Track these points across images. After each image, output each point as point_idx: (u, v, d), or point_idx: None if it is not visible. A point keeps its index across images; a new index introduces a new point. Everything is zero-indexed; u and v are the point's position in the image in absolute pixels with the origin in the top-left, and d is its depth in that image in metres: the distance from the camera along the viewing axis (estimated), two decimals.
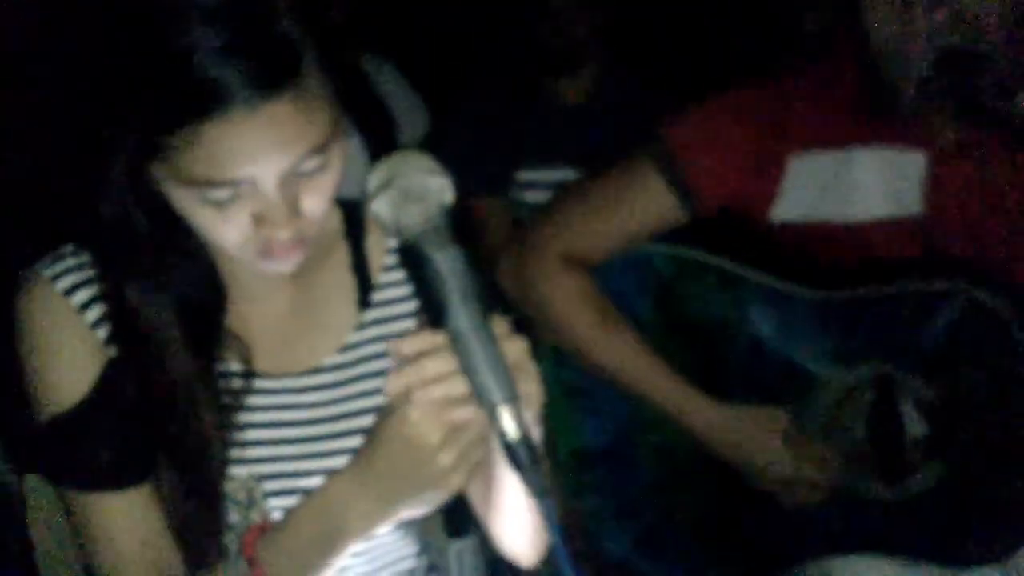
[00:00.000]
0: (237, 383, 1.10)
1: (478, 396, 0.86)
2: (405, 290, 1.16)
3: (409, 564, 1.23)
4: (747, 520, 1.65)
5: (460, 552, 0.93)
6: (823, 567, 1.60)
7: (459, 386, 0.87)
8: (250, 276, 1.10)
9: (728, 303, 1.61)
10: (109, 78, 0.92)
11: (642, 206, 1.58)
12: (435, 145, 2.56)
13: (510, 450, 0.85)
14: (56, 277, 1.06)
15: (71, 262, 1.07)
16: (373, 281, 1.18)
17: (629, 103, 2.40)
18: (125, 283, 1.04)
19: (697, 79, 1.84)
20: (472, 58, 2.73)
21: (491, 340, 0.86)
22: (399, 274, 1.17)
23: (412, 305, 1.16)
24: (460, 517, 0.94)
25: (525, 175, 2.47)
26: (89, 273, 1.06)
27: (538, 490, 0.85)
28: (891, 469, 1.56)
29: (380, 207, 0.89)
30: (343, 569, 1.15)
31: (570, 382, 1.68)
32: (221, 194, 0.92)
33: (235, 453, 1.09)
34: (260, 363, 1.12)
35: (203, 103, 0.87)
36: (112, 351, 1.05)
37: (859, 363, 1.56)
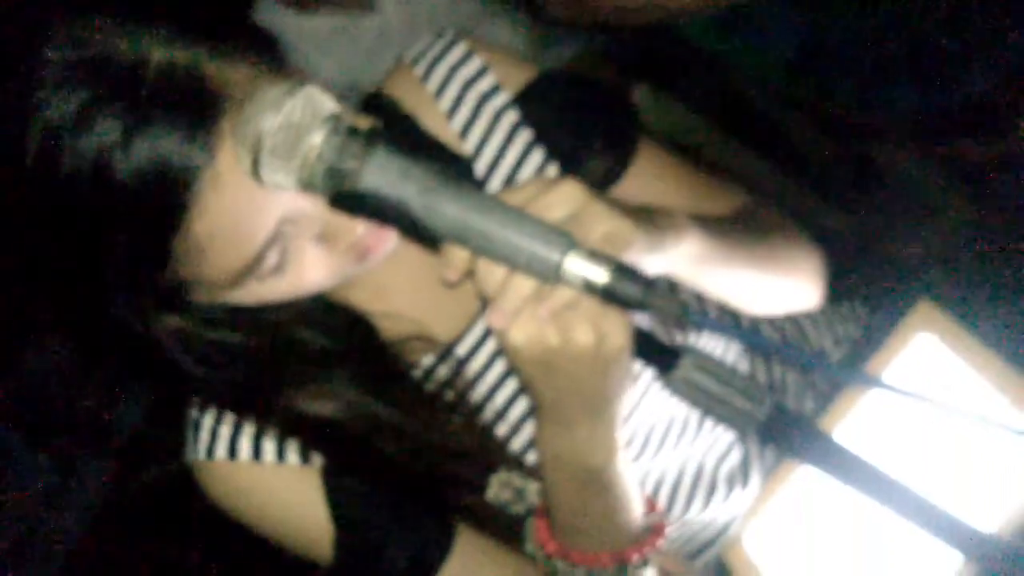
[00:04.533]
0: (444, 371, 0.97)
1: (535, 272, 0.67)
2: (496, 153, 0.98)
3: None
4: None
5: (685, 376, 0.75)
6: None
7: (520, 285, 0.69)
8: (366, 280, 0.93)
9: None
10: (76, 273, 0.75)
11: None
12: None
13: (611, 295, 0.66)
14: (209, 452, 0.93)
15: (209, 422, 0.93)
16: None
17: None
18: (282, 398, 0.91)
19: None
20: None
21: (497, 206, 0.67)
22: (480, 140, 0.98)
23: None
24: (656, 353, 0.76)
25: None
26: (231, 418, 0.93)
27: (674, 311, 0.66)
28: None
29: (276, 181, 0.69)
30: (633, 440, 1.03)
31: (722, 20, 1.43)
32: (271, 259, 0.76)
33: (501, 432, 0.98)
34: (444, 335, 0.98)
35: (163, 214, 0.69)
36: (316, 463, 0.93)
37: None
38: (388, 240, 0.82)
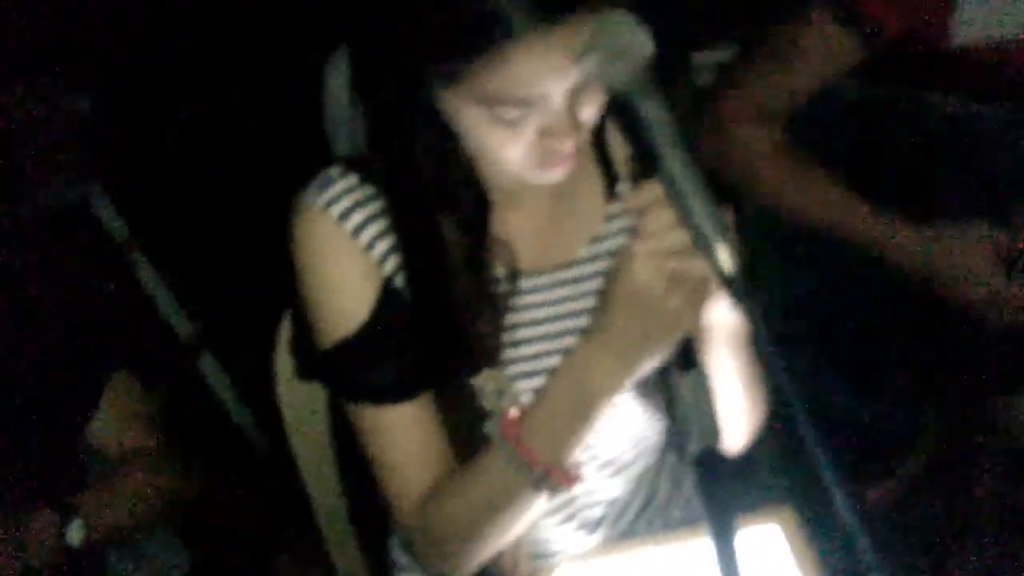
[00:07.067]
0: (505, 287, 1.17)
1: (694, 236, 0.90)
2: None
3: (652, 440, 1.32)
4: (958, 353, 1.68)
5: (694, 383, 0.99)
6: None
7: (678, 236, 0.91)
8: (512, 182, 1.11)
9: (918, 128, 1.65)
10: (406, 18, 0.96)
11: (822, 52, 1.61)
12: None
13: (729, 284, 0.90)
14: (330, 204, 1.11)
15: (341, 185, 1.12)
16: (617, 169, 1.23)
17: None
18: (416, 208, 1.09)
19: None
20: None
21: (701, 182, 0.90)
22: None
23: None
24: (688, 351, 1.01)
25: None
26: (359, 195, 1.12)
27: (754, 319, 0.91)
28: None
29: (586, 66, 0.92)
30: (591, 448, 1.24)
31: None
32: (515, 112, 0.95)
33: (509, 356, 1.17)
34: (523, 265, 1.19)
35: (505, 30, 0.90)
36: (387, 268, 1.12)
37: None
38: (567, 168, 1.03)
